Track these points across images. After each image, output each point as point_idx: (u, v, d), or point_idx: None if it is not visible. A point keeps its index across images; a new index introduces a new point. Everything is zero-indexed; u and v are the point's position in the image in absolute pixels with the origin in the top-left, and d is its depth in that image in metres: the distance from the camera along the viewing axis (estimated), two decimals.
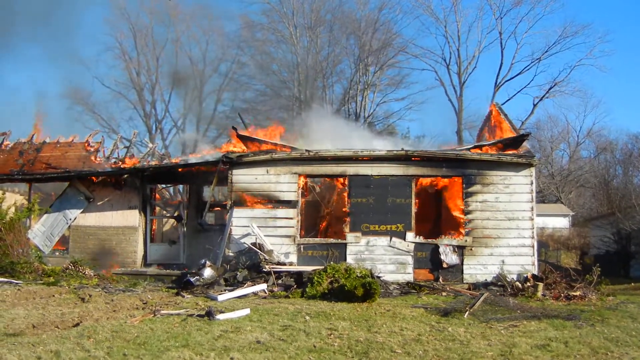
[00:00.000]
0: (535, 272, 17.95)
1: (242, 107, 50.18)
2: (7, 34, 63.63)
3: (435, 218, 22.58)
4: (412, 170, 18.98)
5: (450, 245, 18.53)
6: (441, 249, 18.43)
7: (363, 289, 14.23)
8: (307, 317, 11.85)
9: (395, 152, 19.11)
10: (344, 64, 54.31)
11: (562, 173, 61.29)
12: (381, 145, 21.97)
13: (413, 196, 18.85)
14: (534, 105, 55.40)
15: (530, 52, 78.78)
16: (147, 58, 55.42)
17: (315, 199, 22.02)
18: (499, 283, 17.57)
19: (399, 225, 18.64)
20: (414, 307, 13.70)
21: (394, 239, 18.62)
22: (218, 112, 55.17)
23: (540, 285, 16.50)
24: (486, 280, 18.07)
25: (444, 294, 16.52)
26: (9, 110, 59.48)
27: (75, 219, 21.29)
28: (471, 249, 18.43)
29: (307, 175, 19.71)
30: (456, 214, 19.41)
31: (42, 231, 21.19)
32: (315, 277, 15.52)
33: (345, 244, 18.73)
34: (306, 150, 19.27)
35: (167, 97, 56.46)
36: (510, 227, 18.42)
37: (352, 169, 19.08)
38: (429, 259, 18.55)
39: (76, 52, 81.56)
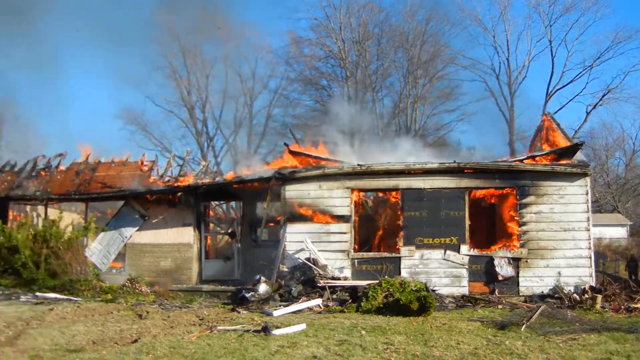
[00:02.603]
0: (593, 284, 17.64)
1: (293, 123, 50.59)
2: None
3: (489, 230, 22.35)
4: (464, 183, 18.89)
5: (505, 257, 18.34)
6: (496, 262, 18.25)
7: (418, 303, 14.22)
8: (363, 332, 11.91)
9: (447, 164, 19.03)
10: (393, 77, 54.34)
11: (618, 182, 59.90)
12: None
13: (466, 208, 18.75)
14: (587, 113, 54.18)
15: (582, 59, 76.85)
16: (197, 76, 56.27)
17: (368, 213, 22.04)
18: (556, 295, 17.29)
19: (453, 238, 18.56)
20: (470, 321, 13.62)
21: (448, 252, 18.54)
22: (269, 129, 55.71)
23: (599, 297, 16.18)
24: (542, 292, 17.81)
25: (499, 306, 16.35)
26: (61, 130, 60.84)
27: (130, 236, 21.65)
28: (526, 261, 18.21)
29: (360, 190, 19.74)
30: (510, 225, 19.20)
31: (99, 249, 21.61)
32: (370, 292, 15.56)
33: (399, 258, 18.71)
34: (358, 165, 19.32)
35: (218, 114, 57.22)
36: (566, 238, 18.15)
37: (404, 183, 19.08)
38: (484, 272, 18.41)
39: (128, 72, 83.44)
